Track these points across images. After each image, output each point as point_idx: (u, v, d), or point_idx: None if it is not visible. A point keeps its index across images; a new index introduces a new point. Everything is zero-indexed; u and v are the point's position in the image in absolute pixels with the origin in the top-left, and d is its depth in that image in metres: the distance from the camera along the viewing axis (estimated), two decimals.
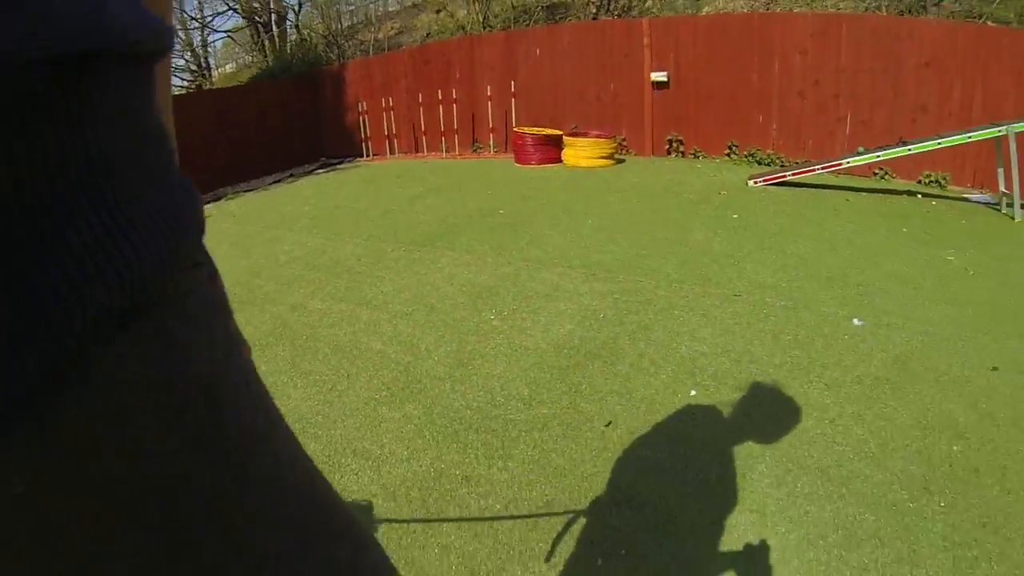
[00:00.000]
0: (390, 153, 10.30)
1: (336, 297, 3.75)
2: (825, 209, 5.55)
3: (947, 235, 4.78)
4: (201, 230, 0.48)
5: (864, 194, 6.27)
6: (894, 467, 2.03)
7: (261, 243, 5.21)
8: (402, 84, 10.15)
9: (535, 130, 8.17)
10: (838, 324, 3.10)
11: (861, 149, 6.78)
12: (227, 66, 18.73)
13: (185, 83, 16.46)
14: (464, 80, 9.54)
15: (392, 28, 15.79)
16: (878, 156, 6.13)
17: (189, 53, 16.44)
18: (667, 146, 8.28)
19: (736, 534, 1.79)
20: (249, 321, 3.47)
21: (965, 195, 6.46)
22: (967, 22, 7.94)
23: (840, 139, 7.37)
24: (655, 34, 8.09)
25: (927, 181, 6.87)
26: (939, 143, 5.81)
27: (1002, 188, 5.77)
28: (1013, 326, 3.04)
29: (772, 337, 2.96)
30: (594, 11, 11.15)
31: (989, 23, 8.00)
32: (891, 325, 3.07)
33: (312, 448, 2.20)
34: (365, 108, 10.44)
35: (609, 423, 2.33)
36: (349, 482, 2.09)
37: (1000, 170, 5.75)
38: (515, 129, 8.38)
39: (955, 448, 2.10)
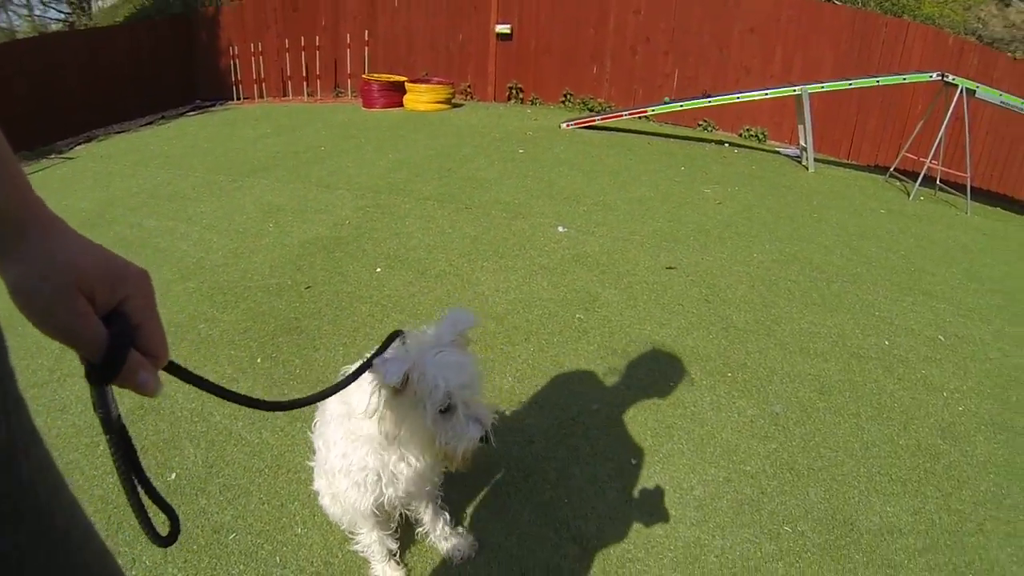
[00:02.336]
0: (258, 97, 11.09)
1: (167, 217, 4.75)
2: (618, 148, 6.72)
3: (723, 176, 6.04)
4: None
5: (673, 140, 7.53)
6: (529, 316, 3.25)
7: (120, 178, 6.02)
8: (272, 29, 10.87)
9: (380, 76, 9.12)
10: (545, 230, 4.31)
11: (667, 99, 8.07)
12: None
13: (62, 16, 16.61)
14: (329, 27, 10.37)
15: None
16: (681, 105, 7.33)
17: None
18: (508, 93, 9.40)
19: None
20: (97, 237, 4.48)
21: (777, 148, 7.89)
22: None
23: (668, 92, 8.61)
24: None
25: (747, 135, 8.23)
26: (738, 98, 7.05)
27: (800, 142, 7.14)
28: (707, 238, 4.31)
29: (472, 238, 4.14)
30: None
31: None
32: (592, 233, 4.28)
33: None
34: (237, 52, 11.14)
35: (308, 287, 3.50)
36: None
37: (800, 127, 7.07)
38: (363, 76, 9.36)
39: (578, 316, 3.28)
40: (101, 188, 5.75)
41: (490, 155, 6.17)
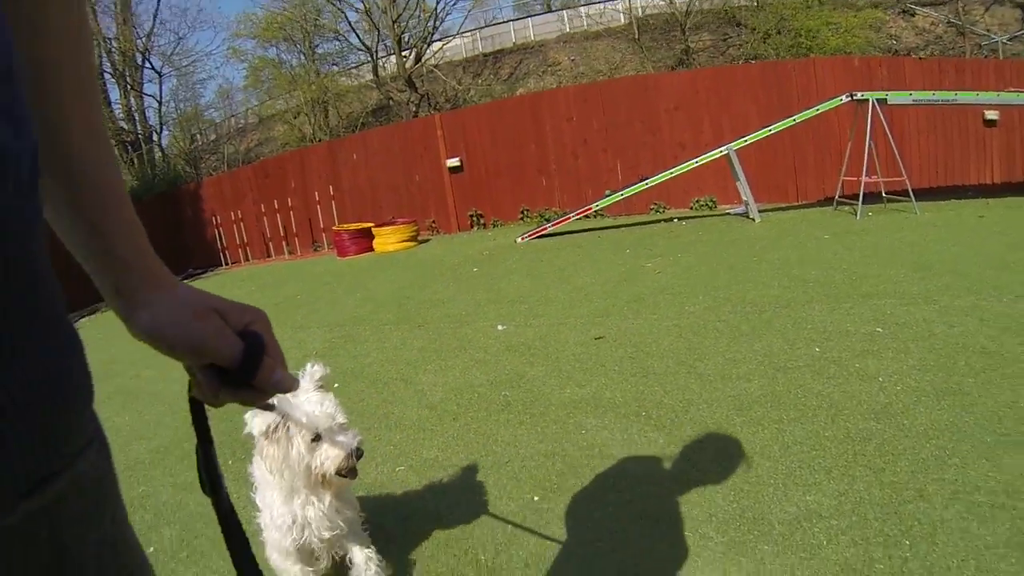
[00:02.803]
0: (244, 260, 11.89)
1: (161, 368, 5.21)
2: (568, 249, 7.28)
3: (668, 248, 6.56)
4: (90, 394, 0.49)
5: (625, 228, 8.10)
6: (460, 400, 3.70)
7: (120, 342, 6.61)
8: (249, 197, 11.82)
9: (349, 226, 9.92)
10: (486, 331, 4.80)
11: (608, 192, 8.74)
12: None
13: None
14: (299, 188, 11.30)
15: (253, 140, 17.72)
16: (621, 193, 7.99)
17: None
18: (470, 221, 10.16)
19: None
20: (101, 387, 5.00)
21: (726, 211, 8.52)
22: (705, 68, 10.31)
23: (613, 184, 9.27)
24: (446, 126, 10.02)
25: (697, 206, 8.92)
26: (672, 173, 7.70)
27: (743, 197, 7.66)
28: (640, 305, 4.74)
29: (419, 348, 4.62)
30: (414, 109, 13.32)
31: (727, 64, 10.46)
32: (529, 325, 4.73)
33: None
34: (219, 221, 12.05)
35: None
36: None
37: (737, 183, 7.68)
38: (333, 227, 10.16)
39: (504, 394, 3.79)
40: (104, 350, 6.30)
41: (446, 279, 6.74)
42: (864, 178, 6.96)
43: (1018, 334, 3.25)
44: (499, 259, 7.36)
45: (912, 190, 6.87)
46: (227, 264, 12.05)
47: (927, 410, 2.62)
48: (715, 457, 2.58)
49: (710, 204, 8.95)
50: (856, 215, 6.93)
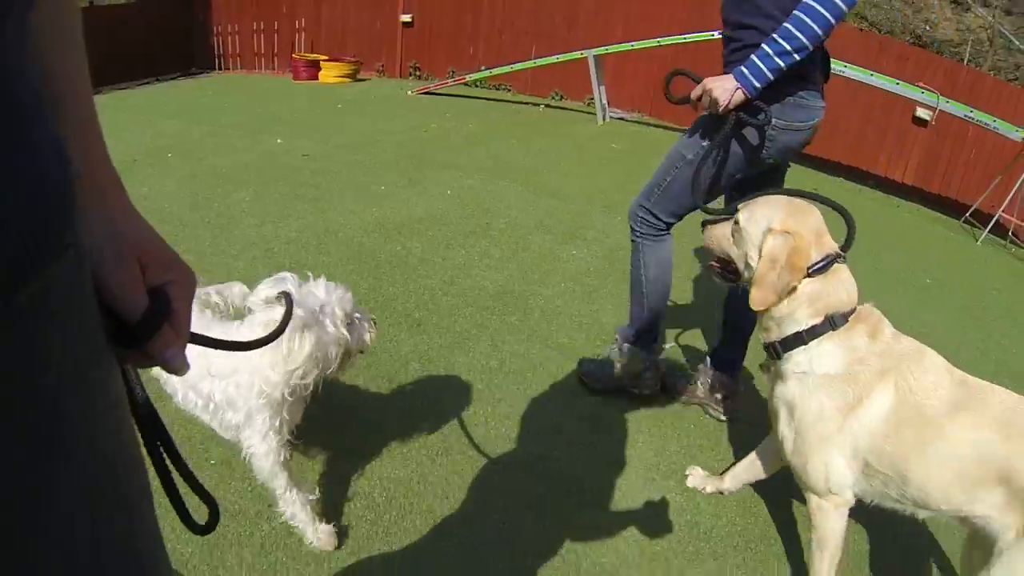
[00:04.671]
0: (234, 68, 14.62)
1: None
2: (437, 107, 9.64)
3: (490, 118, 9.06)
4: (73, 202, 0.49)
5: (499, 103, 10.35)
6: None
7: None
8: (248, 14, 14.30)
9: (305, 55, 12.45)
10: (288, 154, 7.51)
11: (483, 68, 10.71)
12: None
13: None
14: (288, 14, 13.75)
15: None
16: (491, 71, 10.16)
17: None
18: (409, 71, 12.62)
19: None
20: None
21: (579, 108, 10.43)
22: None
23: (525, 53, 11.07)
24: None
25: (556, 97, 11.05)
26: (535, 63, 9.66)
27: (597, 98, 9.27)
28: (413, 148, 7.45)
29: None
30: None
31: None
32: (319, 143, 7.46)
33: None
34: (219, 31, 14.69)
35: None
36: None
37: (594, 87, 9.20)
38: (293, 55, 12.71)
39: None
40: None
41: (324, 111, 9.26)
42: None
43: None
44: (378, 103, 9.83)
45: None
46: (222, 69, 14.74)
47: None
48: None
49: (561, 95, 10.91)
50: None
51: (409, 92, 10.71)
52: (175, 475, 0.73)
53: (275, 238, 4.44)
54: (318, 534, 1.98)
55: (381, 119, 8.70)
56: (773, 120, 2.21)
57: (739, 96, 2.16)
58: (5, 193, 0.41)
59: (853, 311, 1.84)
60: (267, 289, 1.75)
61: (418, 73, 12.50)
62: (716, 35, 7.23)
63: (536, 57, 10.22)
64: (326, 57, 12.31)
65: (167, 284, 0.67)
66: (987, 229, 7.16)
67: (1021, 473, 1.62)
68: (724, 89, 2.16)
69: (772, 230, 1.84)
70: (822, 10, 1.98)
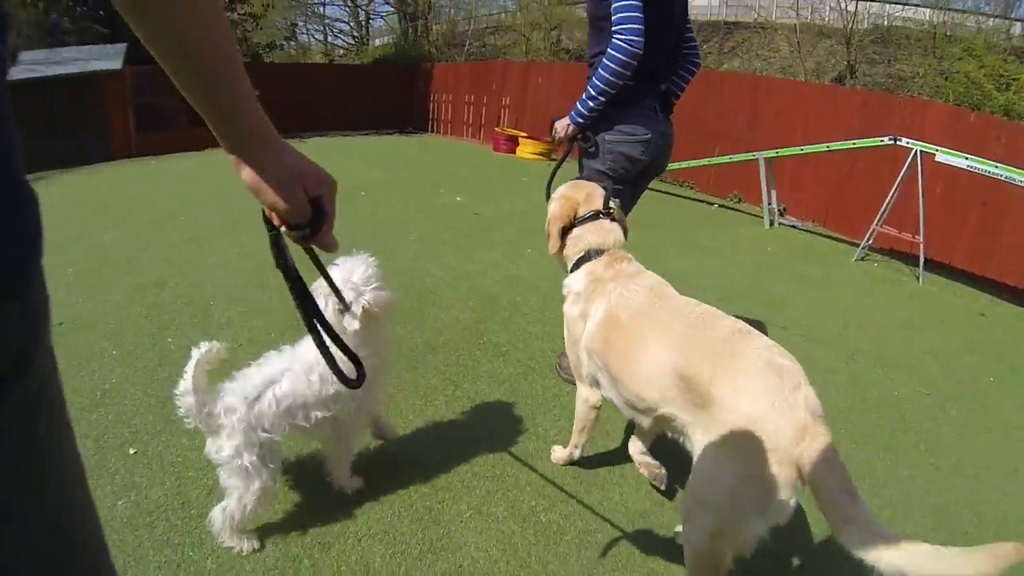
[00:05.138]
0: (444, 133, 16.23)
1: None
2: None
3: (660, 216, 9.69)
4: (30, 250, 0.54)
5: (668, 196, 10.61)
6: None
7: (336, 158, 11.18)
8: (463, 86, 15.91)
9: (505, 130, 13.65)
10: (462, 211, 8.38)
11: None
12: (382, 39, 25.80)
13: (346, 47, 23.93)
14: (497, 91, 15.16)
15: (494, 39, 21.66)
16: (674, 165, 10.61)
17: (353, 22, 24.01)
18: None
19: None
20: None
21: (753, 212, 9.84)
22: (812, 83, 11.77)
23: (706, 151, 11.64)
24: None
25: (732, 197, 10.69)
26: (709, 161, 9.81)
27: (765, 202, 8.94)
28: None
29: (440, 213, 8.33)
30: None
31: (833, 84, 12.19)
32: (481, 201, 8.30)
33: None
34: (436, 98, 16.42)
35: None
36: None
37: (763, 188, 8.91)
38: (496, 129, 13.95)
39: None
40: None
41: (521, 180, 10.25)
42: (880, 228, 7.48)
43: None
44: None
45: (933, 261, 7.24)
46: (432, 132, 16.43)
47: None
48: None
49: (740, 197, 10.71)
50: (854, 258, 7.66)
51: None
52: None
53: (423, 272, 5.20)
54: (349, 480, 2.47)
55: None
56: (606, 137, 3.12)
57: (572, 129, 3.14)
58: None
59: (607, 251, 2.48)
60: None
61: None
62: (885, 140, 7.22)
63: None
64: (525, 134, 13.42)
65: (321, 195, 0.98)
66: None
67: (697, 376, 1.87)
68: (563, 124, 3.19)
69: (554, 198, 2.67)
70: (603, 71, 2.90)
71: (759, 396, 1.75)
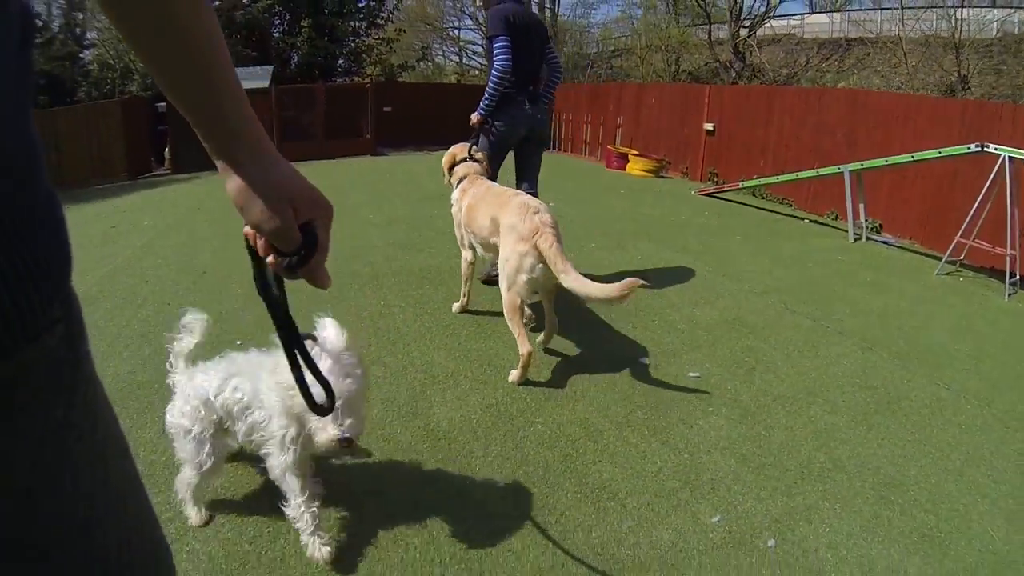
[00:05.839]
0: (564, 150, 17.25)
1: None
2: (705, 204, 10.97)
3: (751, 229, 10.18)
4: (63, 270, 0.56)
5: (761, 211, 11.04)
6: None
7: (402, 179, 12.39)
8: (582, 107, 16.91)
9: (617, 147, 14.46)
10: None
11: (756, 176, 11.59)
12: None
13: (480, 67, 25.77)
14: (613, 111, 16.02)
15: (615, 63, 22.61)
16: (760, 181, 10.93)
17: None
18: (708, 176, 13.99)
19: None
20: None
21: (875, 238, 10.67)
22: (910, 95, 11.65)
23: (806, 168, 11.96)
24: (712, 96, 13.64)
25: (829, 215, 10.93)
26: (797, 176, 10.13)
27: (850, 216, 9.17)
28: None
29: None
30: (734, 76, 17.00)
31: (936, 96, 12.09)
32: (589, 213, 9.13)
33: None
34: (558, 118, 17.48)
35: None
36: None
37: (848, 203, 9.16)
38: (608, 146, 14.77)
39: None
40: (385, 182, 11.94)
41: (618, 193, 11.08)
42: (973, 242, 7.38)
43: None
44: (663, 195, 11.39)
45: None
46: (553, 150, 17.49)
47: None
48: None
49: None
50: (936, 271, 7.64)
51: (693, 192, 12.03)
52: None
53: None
54: (317, 547, 2.30)
55: (647, 205, 10.22)
56: (496, 123, 5.07)
57: (478, 119, 5.03)
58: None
59: (468, 176, 4.65)
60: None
61: (715, 179, 13.72)
62: (972, 148, 7.18)
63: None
64: (636, 152, 14.20)
65: (312, 220, 0.88)
66: None
67: (496, 216, 3.99)
68: (475, 116, 5.03)
69: (444, 155, 4.88)
70: (490, 85, 4.90)
71: (507, 213, 3.87)
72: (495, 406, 3.66)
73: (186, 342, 2.37)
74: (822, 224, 10.22)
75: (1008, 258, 7.02)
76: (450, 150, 4.81)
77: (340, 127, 15.04)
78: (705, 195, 11.82)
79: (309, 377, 1.09)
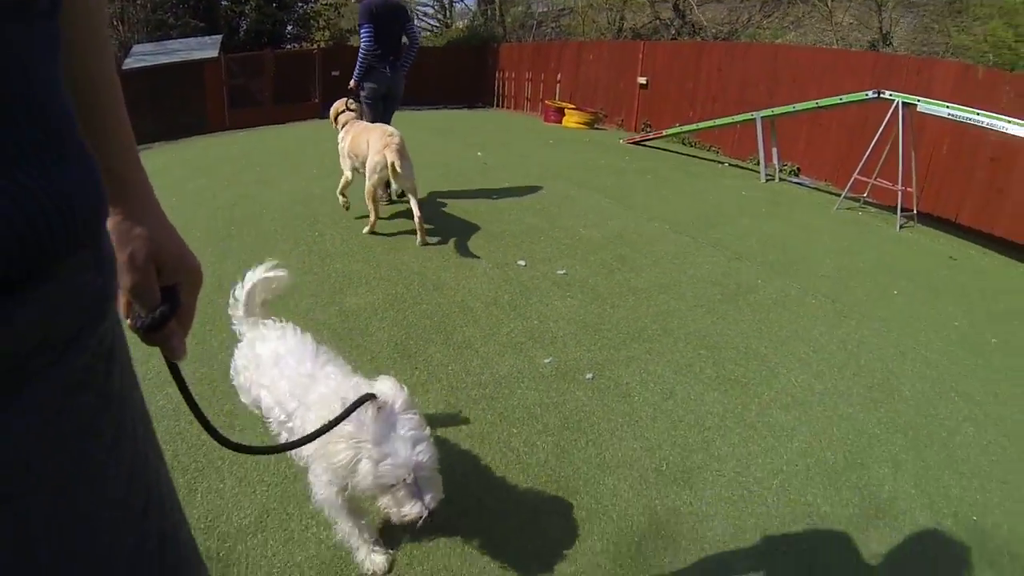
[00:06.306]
0: (507, 107, 18.12)
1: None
2: (628, 152, 11.90)
3: (668, 169, 11.21)
4: (98, 210, 0.58)
5: (687, 157, 12.24)
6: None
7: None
8: (524, 64, 17.74)
9: (554, 102, 15.35)
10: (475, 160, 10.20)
11: (676, 125, 12.51)
12: (464, 21, 27.82)
13: (431, 28, 26.34)
14: (554, 68, 16.89)
15: (562, 21, 23.26)
16: (681, 128, 11.90)
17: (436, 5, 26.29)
18: (642, 127, 14.96)
19: None
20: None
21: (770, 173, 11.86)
22: (827, 49, 12.87)
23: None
24: (645, 52, 14.55)
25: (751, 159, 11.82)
26: (712, 123, 11.16)
27: (762, 159, 10.31)
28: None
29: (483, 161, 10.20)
30: (675, 33, 17.94)
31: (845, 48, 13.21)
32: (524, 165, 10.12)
33: None
34: (501, 75, 18.32)
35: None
36: None
37: (759, 147, 10.33)
38: (546, 101, 15.69)
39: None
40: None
41: (537, 145, 11.99)
42: (875, 181, 8.35)
43: None
44: (590, 145, 12.31)
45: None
46: (497, 107, 18.35)
47: None
48: None
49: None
50: (835, 207, 8.70)
51: (621, 141, 12.97)
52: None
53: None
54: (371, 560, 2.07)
55: (570, 152, 11.16)
56: (365, 85, 6.71)
57: (354, 83, 6.68)
58: (41, 196, 0.50)
59: (349, 121, 6.30)
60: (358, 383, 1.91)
61: (648, 129, 14.70)
62: (870, 95, 8.00)
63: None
64: (572, 106, 15.13)
65: (177, 283, 0.85)
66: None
67: (368, 138, 5.71)
68: (352, 82, 6.67)
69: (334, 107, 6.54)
70: (360, 58, 6.56)
71: (373, 136, 5.65)
72: (393, 295, 4.70)
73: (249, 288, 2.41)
74: (742, 168, 11.20)
75: (900, 193, 8.06)
76: (335, 105, 6.46)
77: (288, 92, 15.63)
78: (633, 143, 12.72)
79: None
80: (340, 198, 6.33)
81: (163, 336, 0.84)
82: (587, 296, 4.86)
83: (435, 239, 5.80)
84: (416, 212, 5.60)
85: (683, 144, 13.04)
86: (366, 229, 5.85)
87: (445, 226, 6.12)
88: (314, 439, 1.37)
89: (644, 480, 2.95)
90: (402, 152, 5.41)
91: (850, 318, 4.96)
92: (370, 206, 5.72)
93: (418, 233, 5.60)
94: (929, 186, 8.77)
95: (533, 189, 7.92)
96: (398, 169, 5.33)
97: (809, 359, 4.25)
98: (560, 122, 14.88)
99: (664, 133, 12.48)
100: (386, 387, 1.83)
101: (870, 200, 8.91)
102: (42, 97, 0.51)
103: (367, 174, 5.62)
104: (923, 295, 5.66)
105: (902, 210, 8.10)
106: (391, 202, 6.78)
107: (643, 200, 7.79)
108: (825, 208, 8.66)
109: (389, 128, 5.74)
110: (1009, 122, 6.93)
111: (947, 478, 3.30)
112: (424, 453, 1.75)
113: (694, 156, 12.03)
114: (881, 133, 8.12)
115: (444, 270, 5.16)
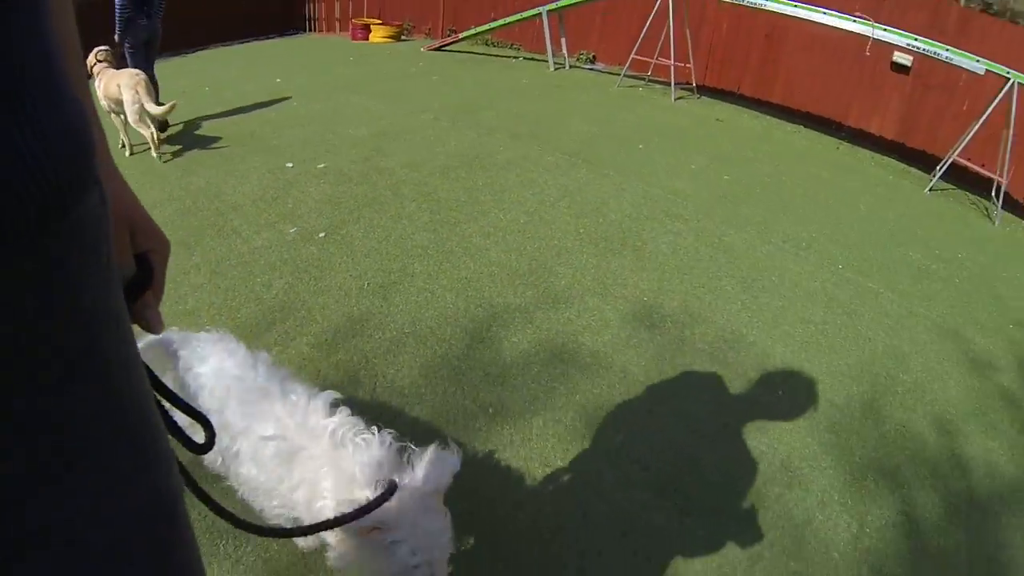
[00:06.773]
0: (319, 31, 18.47)
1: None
2: (429, 58, 12.69)
3: (463, 66, 12.09)
4: (93, 151, 0.57)
5: (487, 57, 13.24)
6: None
7: (191, 72, 13.43)
8: None
9: (361, 19, 15.91)
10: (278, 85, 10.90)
11: (472, 28, 13.42)
12: None
13: None
14: None
15: None
16: (476, 31, 12.74)
17: None
18: (447, 33, 15.74)
19: None
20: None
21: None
22: None
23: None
24: None
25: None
26: (501, 22, 12.16)
27: (549, 50, 11.58)
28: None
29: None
30: None
31: None
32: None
33: None
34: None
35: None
36: None
37: (547, 40, 11.57)
38: (351, 20, 16.25)
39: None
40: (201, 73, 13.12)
41: (347, 62, 12.67)
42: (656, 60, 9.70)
43: None
44: (391, 56, 13.07)
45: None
46: (310, 31, 18.64)
47: None
48: None
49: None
50: (616, 84, 9.84)
51: (422, 49, 13.74)
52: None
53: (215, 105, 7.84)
54: None
55: (367, 67, 11.86)
56: (129, 37, 7.25)
57: (119, 36, 7.18)
58: (48, 134, 0.49)
59: (98, 63, 6.73)
60: (378, 450, 1.73)
61: (453, 34, 15.57)
62: None
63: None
64: (378, 21, 15.69)
65: (149, 251, 0.83)
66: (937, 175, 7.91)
67: (119, 83, 6.32)
68: (116, 36, 7.19)
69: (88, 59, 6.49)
70: (117, 12, 7.02)
71: (122, 80, 6.33)
72: (182, 209, 5.55)
73: None
74: (537, 60, 12.28)
75: (672, 68, 9.26)
76: (89, 56, 6.67)
77: None
78: (433, 50, 13.53)
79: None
80: (123, 139, 6.75)
81: (139, 307, 0.81)
82: (338, 180, 5.88)
83: (175, 147, 6.66)
84: (154, 132, 6.43)
85: (486, 45, 13.94)
86: (154, 152, 6.37)
87: (231, 143, 6.91)
88: (335, 527, 1.37)
89: (348, 296, 4.13)
90: (148, 90, 6.25)
91: (580, 168, 6.11)
92: (144, 132, 6.32)
93: (152, 147, 6.43)
94: (712, 61, 10.10)
95: (317, 102, 8.74)
96: (144, 105, 6.16)
97: (525, 201, 5.46)
98: (367, 39, 15.42)
99: (460, 37, 13.30)
100: (432, 464, 1.69)
101: (656, 78, 10.07)
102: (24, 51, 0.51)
103: (127, 109, 6.28)
104: (669, 147, 6.81)
105: (681, 84, 9.37)
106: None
107: (419, 99, 8.77)
108: (607, 87, 9.77)
109: (134, 71, 6.52)
110: (779, 2, 8.18)
111: (628, 275, 4.53)
112: (447, 550, 1.65)
113: (492, 55, 13.01)
114: (656, 15, 9.23)
115: (224, 181, 5.96)
